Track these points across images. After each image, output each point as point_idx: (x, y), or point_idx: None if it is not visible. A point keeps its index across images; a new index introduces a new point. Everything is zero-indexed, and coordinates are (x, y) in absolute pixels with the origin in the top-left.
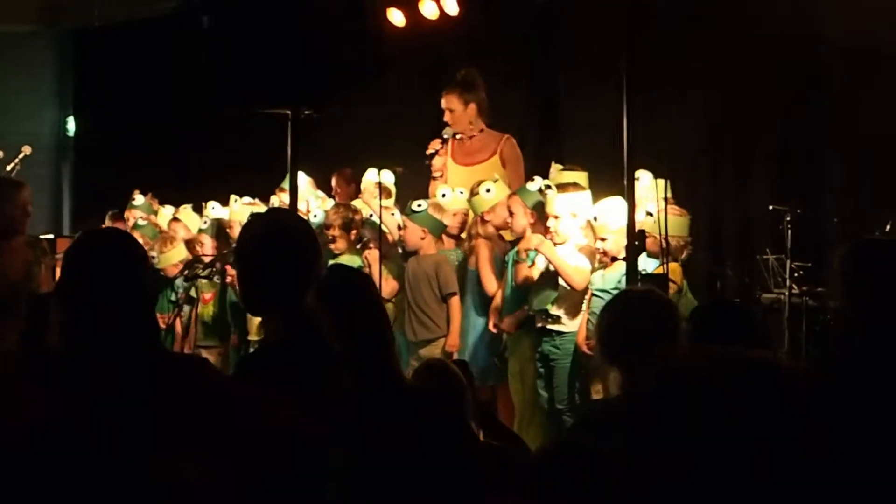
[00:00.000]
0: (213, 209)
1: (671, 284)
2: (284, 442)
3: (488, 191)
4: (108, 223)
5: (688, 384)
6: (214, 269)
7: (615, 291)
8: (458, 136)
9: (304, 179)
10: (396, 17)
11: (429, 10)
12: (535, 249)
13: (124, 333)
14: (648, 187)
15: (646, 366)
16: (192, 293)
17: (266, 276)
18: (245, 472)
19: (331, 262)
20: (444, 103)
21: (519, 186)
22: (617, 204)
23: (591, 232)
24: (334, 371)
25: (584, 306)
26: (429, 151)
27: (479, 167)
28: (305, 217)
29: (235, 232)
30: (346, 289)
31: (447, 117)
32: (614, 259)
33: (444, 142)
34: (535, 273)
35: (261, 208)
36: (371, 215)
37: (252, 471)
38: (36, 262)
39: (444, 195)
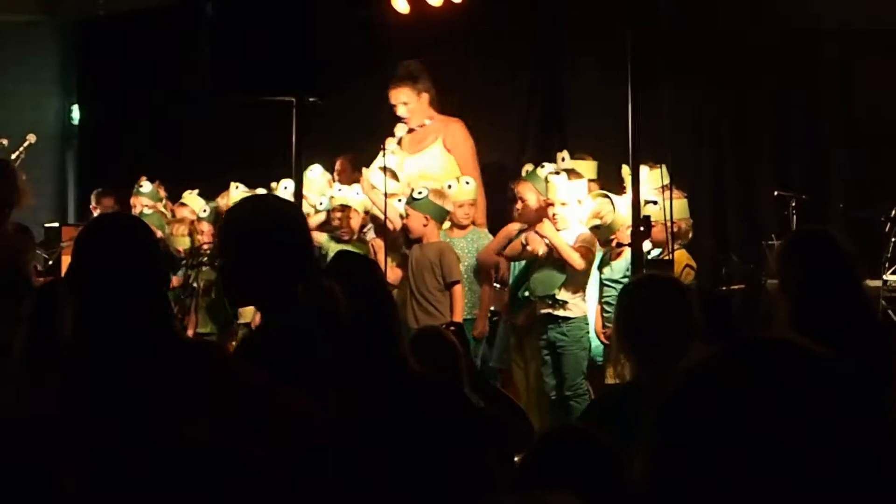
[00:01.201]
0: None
1: (688, 270)
2: (301, 428)
3: (542, 166)
4: (93, 202)
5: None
6: (216, 258)
7: (625, 280)
8: (412, 130)
9: (319, 172)
10: (401, 4)
11: None
12: (536, 232)
13: (138, 320)
14: (645, 179)
15: (660, 353)
16: (193, 282)
17: (253, 263)
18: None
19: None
20: (395, 98)
21: (468, 169)
22: (614, 203)
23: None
24: (325, 360)
25: (595, 295)
26: (384, 152)
27: (425, 153)
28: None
29: None
30: (351, 275)
31: (401, 111)
32: (619, 245)
33: (400, 140)
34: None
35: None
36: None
37: (271, 456)
38: (23, 250)
39: (450, 186)
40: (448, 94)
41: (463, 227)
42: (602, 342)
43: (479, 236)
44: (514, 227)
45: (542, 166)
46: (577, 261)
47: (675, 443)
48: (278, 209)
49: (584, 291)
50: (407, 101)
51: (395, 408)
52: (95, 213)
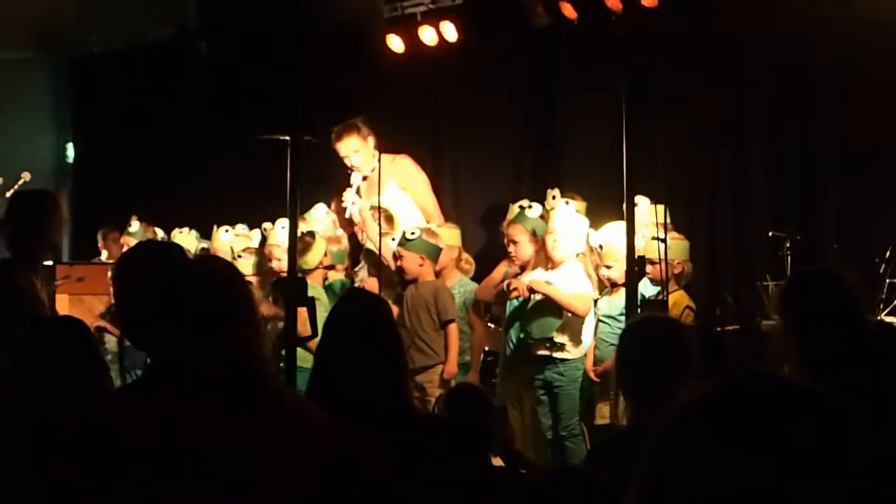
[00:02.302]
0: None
1: (688, 312)
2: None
3: (530, 207)
4: (100, 241)
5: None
6: None
7: (621, 318)
8: (365, 177)
9: (323, 211)
10: (396, 43)
11: (428, 37)
12: (532, 289)
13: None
14: (646, 212)
15: (659, 394)
16: None
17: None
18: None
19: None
20: (344, 149)
21: (427, 202)
22: (622, 229)
23: (592, 258)
24: None
25: (592, 333)
26: (344, 204)
27: (381, 196)
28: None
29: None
30: (360, 314)
31: (352, 161)
32: (615, 285)
33: (358, 189)
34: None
35: (246, 237)
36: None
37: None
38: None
39: (438, 225)
40: (443, 131)
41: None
42: (592, 379)
43: (464, 283)
44: (503, 268)
45: (531, 207)
46: (580, 309)
47: (670, 477)
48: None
49: (580, 332)
50: (358, 148)
51: (396, 446)
52: (104, 252)
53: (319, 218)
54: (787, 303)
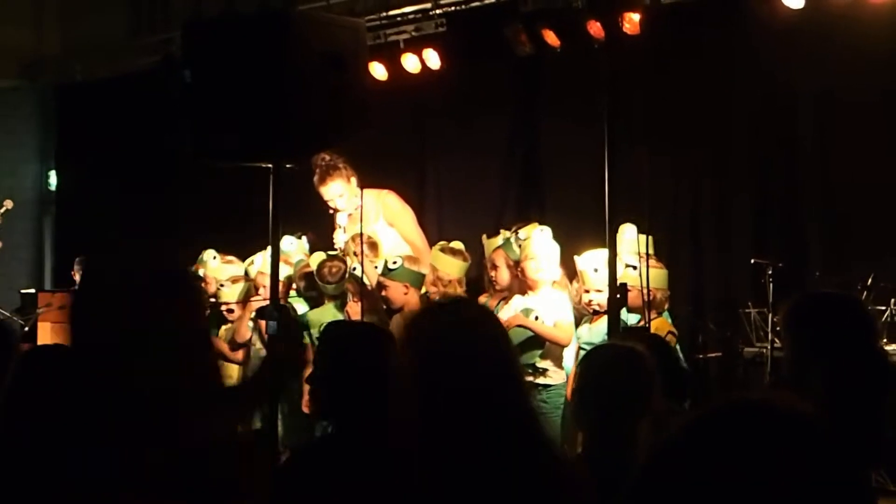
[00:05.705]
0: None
1: (671, 337)
2: None
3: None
4: (76, 268)
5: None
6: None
7: None
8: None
9: (287, 242)
10: (379, 70)
11: (411, 64)
12: (516, 325)
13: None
14: (633, 241)
15: (611, 429)
16: None
17: None
18: None
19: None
20: (329, 194)
21: (413, 236)
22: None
23: (577, 286)
24: None
25: (574, 360)
26: (337, 245)
27: (370, 231)
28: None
29: (211, 288)
30: (343, 343)
31: (337, 205)
32: (595, 312)
33: (345, 228)
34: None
35: (237, 265)
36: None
37: None
38: None
39: (441, 250)
40: (426, 158)
41: None
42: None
43: None
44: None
45: (517, 234)
46: (563, 339)
47: None
48: None
49: (562, 357)
50: (342, 192)
51: (374, 475)
52: (77, 279)
53: (291, 252)
54: (812, 325)
